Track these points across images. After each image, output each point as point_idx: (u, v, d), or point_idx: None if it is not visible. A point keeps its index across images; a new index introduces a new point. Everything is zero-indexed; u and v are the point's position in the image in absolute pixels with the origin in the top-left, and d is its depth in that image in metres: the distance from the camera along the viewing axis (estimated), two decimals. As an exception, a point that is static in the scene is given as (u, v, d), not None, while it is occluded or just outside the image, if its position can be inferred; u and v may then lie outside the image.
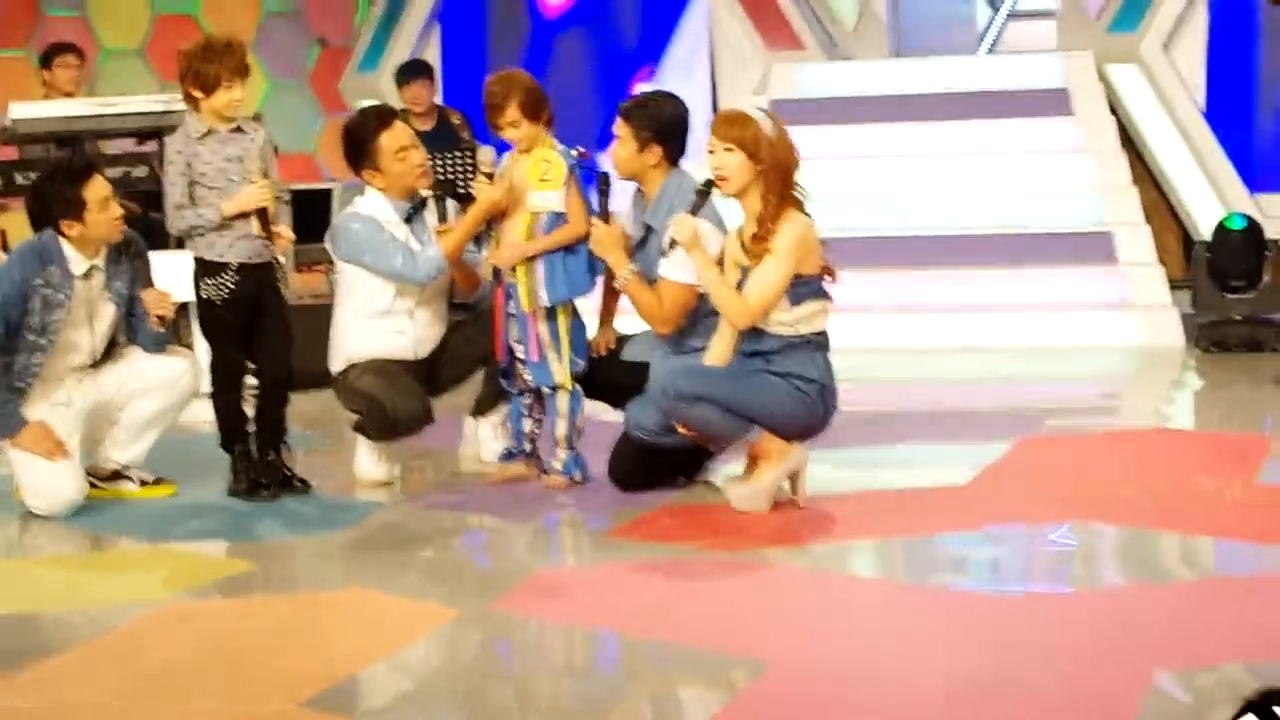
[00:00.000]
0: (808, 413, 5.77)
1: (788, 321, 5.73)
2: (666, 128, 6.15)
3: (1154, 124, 11.59)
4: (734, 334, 5.81)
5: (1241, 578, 5.06)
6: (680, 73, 12.68)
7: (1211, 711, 3.73)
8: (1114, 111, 11.30)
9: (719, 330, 5.86)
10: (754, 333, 5.76)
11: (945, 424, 7.49)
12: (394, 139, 6.39)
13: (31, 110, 9.45)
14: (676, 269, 5.99)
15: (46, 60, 10.46)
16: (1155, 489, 6.03)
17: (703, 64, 12.88)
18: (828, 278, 5.80)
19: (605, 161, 6.32)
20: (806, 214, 5.76)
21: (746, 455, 5.90)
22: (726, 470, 6.19)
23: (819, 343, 5.80)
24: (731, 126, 5.80)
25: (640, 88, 12.53)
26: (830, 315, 5.82)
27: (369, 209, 6.43)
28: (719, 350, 5.85)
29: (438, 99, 11.38)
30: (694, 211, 5.92)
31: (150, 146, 9.76)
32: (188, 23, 13.31)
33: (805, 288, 5.73)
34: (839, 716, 3.87)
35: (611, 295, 6.44)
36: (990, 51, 14.35)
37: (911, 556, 5.37)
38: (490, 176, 6.28)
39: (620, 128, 6.19)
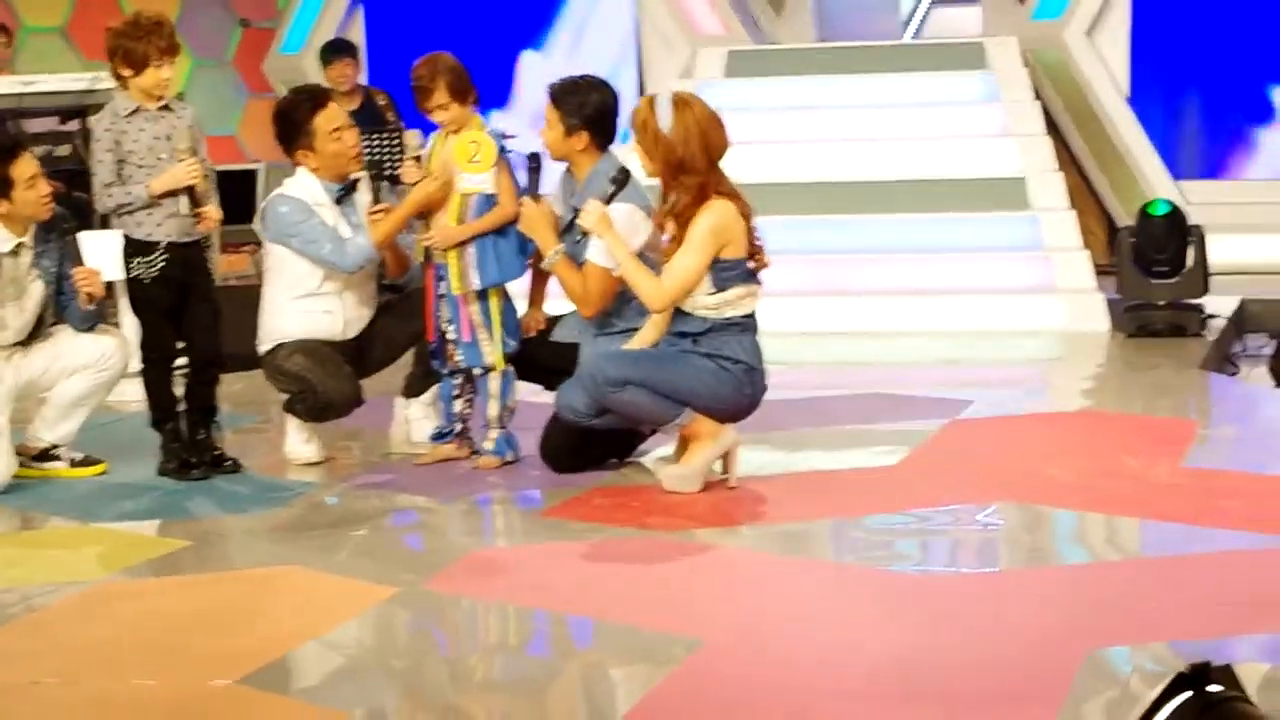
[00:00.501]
0: (735, 393, 5.79)
1: (712, 305, 5.75)
2: (593, 114, 6.14)
3: (1078, 110, 11.70)
4: (664, 319, 5.83)
5: (1168, 558, 5.11)
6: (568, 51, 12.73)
7: (1141, 688, 3.78)
8: (1038, 97, 11.38)
9: (649, 322, 5.89)
10: (681, 315, 5.79)
11: (874, 406, 7.53)
12: (329, 119, 6.37)
13: (-49, 89, 9.37)
14: (602, 253, 6.00)
15: None
16: (1082, 471, 6.08)
17: (629, 47, 12.90)
18: (755, 262, 5.81)
19: (537, 140, 6.31)
20: (739, 199, 5.77)
21: (678, 437, 5.92)
22: (658, 451, 6.21)
23: (745, 325, 5.82)
24: (631, 116, 5.84)
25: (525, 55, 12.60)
26: (758, 299, 5.84)
27: (298, 190, 6.40)
28: (647, 334, 5.87)
29: (362, 79, 11.34)
30: (610, 198, 5.93)
31: (73, 125, 9.69)
32: (108, 1, 13.19)
33: (730, 272, 5.75)
34: (772, 692, 3.89)
35: (540, 277, 6.44)
36: (915, 37, 14.43)
37: (842, 537, 5.40)
38: (418, 160, 6.28)
39: (549, 111, 6.19)
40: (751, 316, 5.84)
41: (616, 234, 5.85)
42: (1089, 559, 5.17)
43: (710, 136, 5.72)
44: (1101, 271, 10.09)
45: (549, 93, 6.22)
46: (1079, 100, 11.72)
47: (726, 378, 5.76)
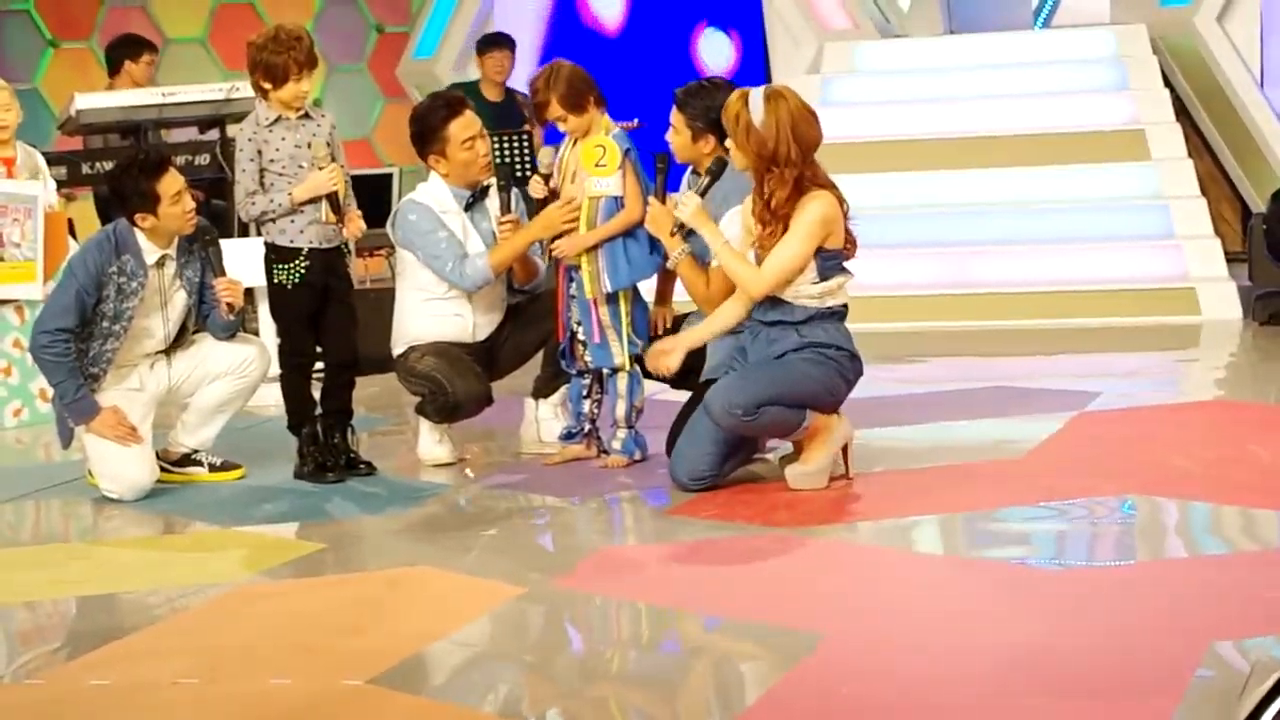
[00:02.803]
0: (841, 380, 5.84)
1: (815, 295, 5.79)
2: (719, 117, 6.15)
3: (1209, 96, 11.57)
4: (748, 302, 5.87)
5: (1296, 549, 5.09)
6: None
7: (1265, 677, 3.78)
8: (1168, 84, 11.28)
9: (735, 296, 5.91)
10: (780, 304, 5.82)
11: (1001, 399, 7.51)
12: (463, 128, 6.48)
13: (96, 101, 9.59)
14: None
15: (134, 54, 10.51)
16: (1212, 462, 6.04)
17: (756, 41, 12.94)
18: (847, 252, 5.85)
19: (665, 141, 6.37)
20: (835, 190, 5.81)
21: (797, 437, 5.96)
22: (783, 449, 6.25)
23: (841, 313, 5.89)
24: (723, 111, 5.88)
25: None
26: (848, 288, 5.90)
27: (428, 196, 6.52)
28: (730, 311, 5.90)
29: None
30: (704, 191, 5.99)
31: (212, 135, 9.91)
32: (248, 11, 13.44)
33: (832, 262, 5.80)
34: (896, 688, 3.93)
35: (668, 274, 6.50)
36: (1044, 26, 14.34)
37: (969, 530, 5.41)
38: (547, 179, 6.38)
39: (674, 116, 6.23)
40: (845, 306, 5.90)
41: (713, 225, 5.91)
42: (1218, 551, 5.14)
43: (801, 129, 5.74)
44: (1233, 259, 9.99)
45: (674, 98, 6.27)
46: (1210, 87, 11.58)
47: (833, 368, 5.80)
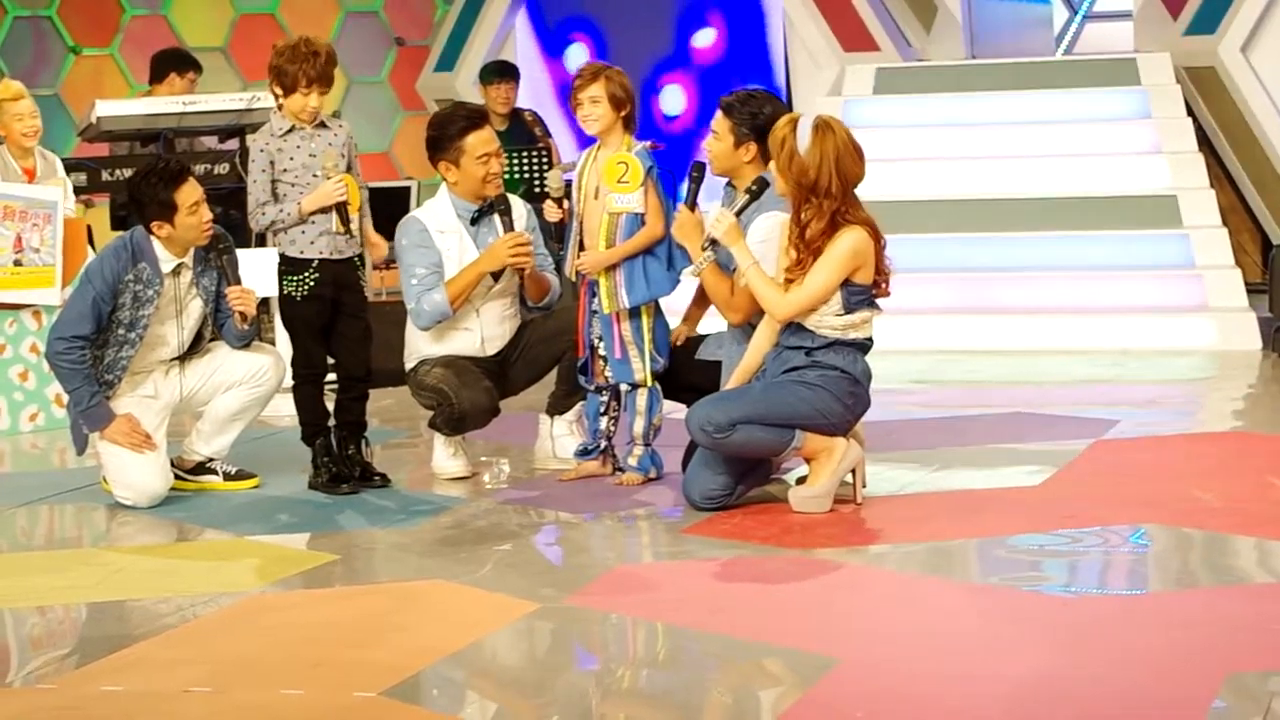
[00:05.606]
0: (839, 405, 5.81)
1: (838, 325, 5.79)
2: (765, 126, 6.09)
3: (1232, 126, 11.55)
4: (769, 342, 5.89)
5: (1316, 582, 5.06)
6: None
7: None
8: (1191, 113, 11.26)
9: (764, 322, 5.92)
10: (801, 330, 5.82)
11: (1018, 425, 7.49)
12: (480, 142, 6.48)
13: (117, 108, 9.60)
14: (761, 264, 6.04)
15: (181, 69, 10.52)
16: (1230, 493, 6.02)
17: (777, 63, 12.94)
18: (878, 290, 5.84)
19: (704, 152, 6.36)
20: (872, 225, 5.80)
21: (803, 459, 5.95)
22: (800, 470, 6.24)
23: (863, 346, 5.88)
24: (770, 134, 5.87)
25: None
26: (873, 325, 5.90)
27: (431, 215, 6.53)
28: (764, 337, 5.92)
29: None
30: (743, 209, 5.99)
31: (232, 144, 9.91)
32: (268, 21, 13.46)
33: (859, 297, 5.79)
34: (910, 713, 3.91)
35: (700, 300, 6.52)
36: (1066, 53, 14.33)
37: (984, 557, 5.40)
38: (559, 202, 6.39)
39: (719, 122, 6.23)
40: (870, 340, 5.88)
41: (745, 245, 5.91)
42: (1235, 582, 5.11)
43: (845, 164, 5.72)
44: (1254, 290, 9.97)
45: (720, 104, 6.27)
46: (1233, 117, 11.56)
47: (828, 390, 5.77)
